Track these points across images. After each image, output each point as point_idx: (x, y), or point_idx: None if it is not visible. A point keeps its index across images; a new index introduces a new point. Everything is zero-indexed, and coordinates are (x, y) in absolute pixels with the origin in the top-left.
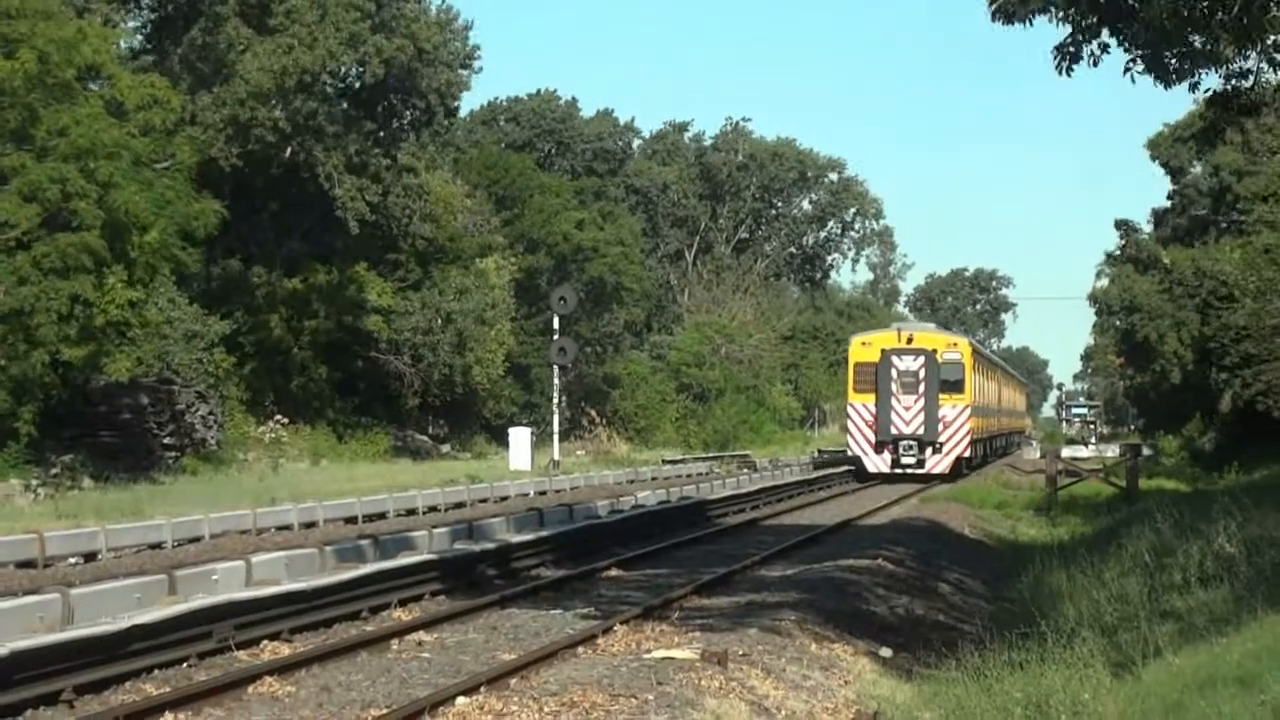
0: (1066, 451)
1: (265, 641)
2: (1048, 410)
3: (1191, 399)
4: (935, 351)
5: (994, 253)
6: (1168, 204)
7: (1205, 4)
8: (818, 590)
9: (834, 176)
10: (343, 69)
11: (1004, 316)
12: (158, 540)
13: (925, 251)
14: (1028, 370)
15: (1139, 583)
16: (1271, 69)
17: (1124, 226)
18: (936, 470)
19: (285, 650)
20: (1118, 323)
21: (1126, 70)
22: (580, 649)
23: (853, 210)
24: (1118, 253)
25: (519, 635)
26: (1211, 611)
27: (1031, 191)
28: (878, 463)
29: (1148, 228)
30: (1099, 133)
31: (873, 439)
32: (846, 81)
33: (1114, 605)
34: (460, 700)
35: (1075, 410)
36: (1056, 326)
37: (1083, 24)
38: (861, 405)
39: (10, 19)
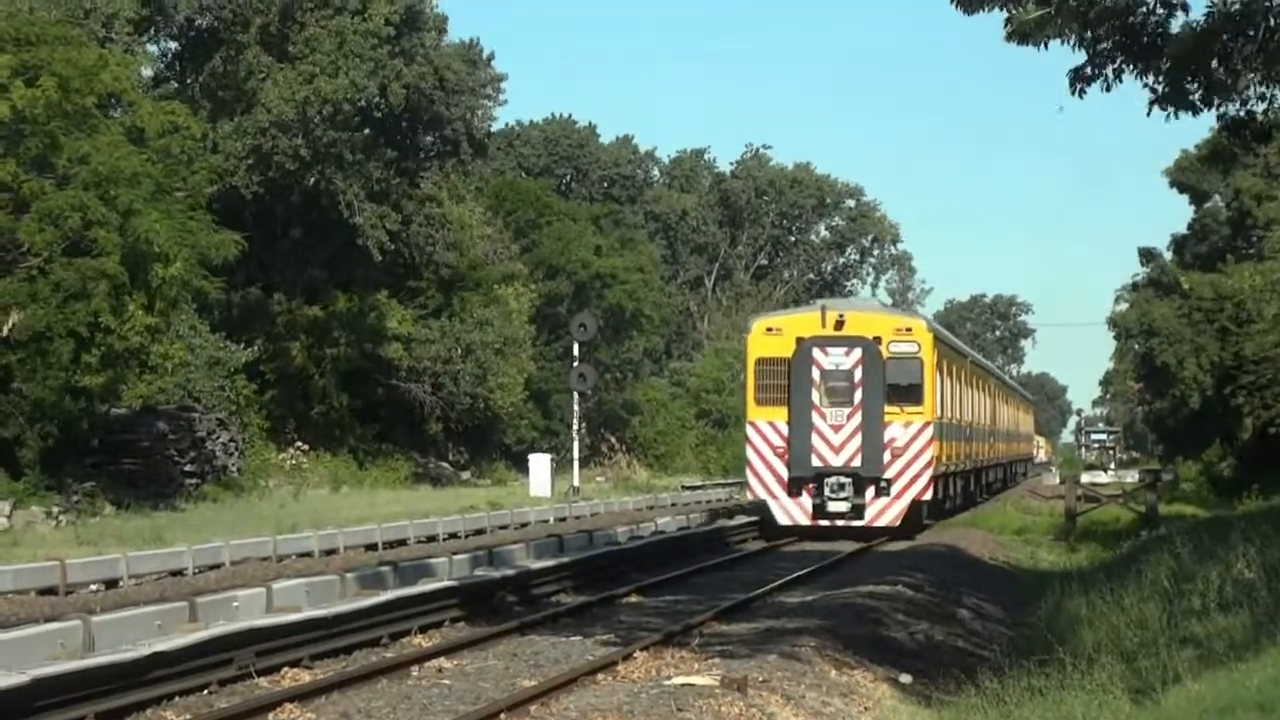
0: (1086, 477)
1: (286, 668)
2: (1067, 436)
3: (1210, 425)
4: (878, 340)
5: (1013, 279)
6: (1188, 231)
7: (1226, 38)
8: (837, 616)
9: (852, 203)
10: (364, 100)
11: (1023, 343)
12: (179, 567)
13: (944, 277)
14: (1047, 396)
15: (1158, 608)
16: None
17: (1147, 254)
18: (881, 522)
19: (306, 677)
20: (1136, 347)
21: (1150, 108)
22: (600, 675)
23: (871, 236)
24: (1141, 280)
25: (539, 662)
26: (1231, 637)
27: (1051, 217)
28: (791, 510)
29: (1168, 254)
30: (1120, 159)
31: (783, 475)
32: (864, 107)
33: (1133, 631)
34: None
35: (1094, 436)
36: (1076, 353)
37: (1097, 51)
38: (766, 425)
39: (31, 45)
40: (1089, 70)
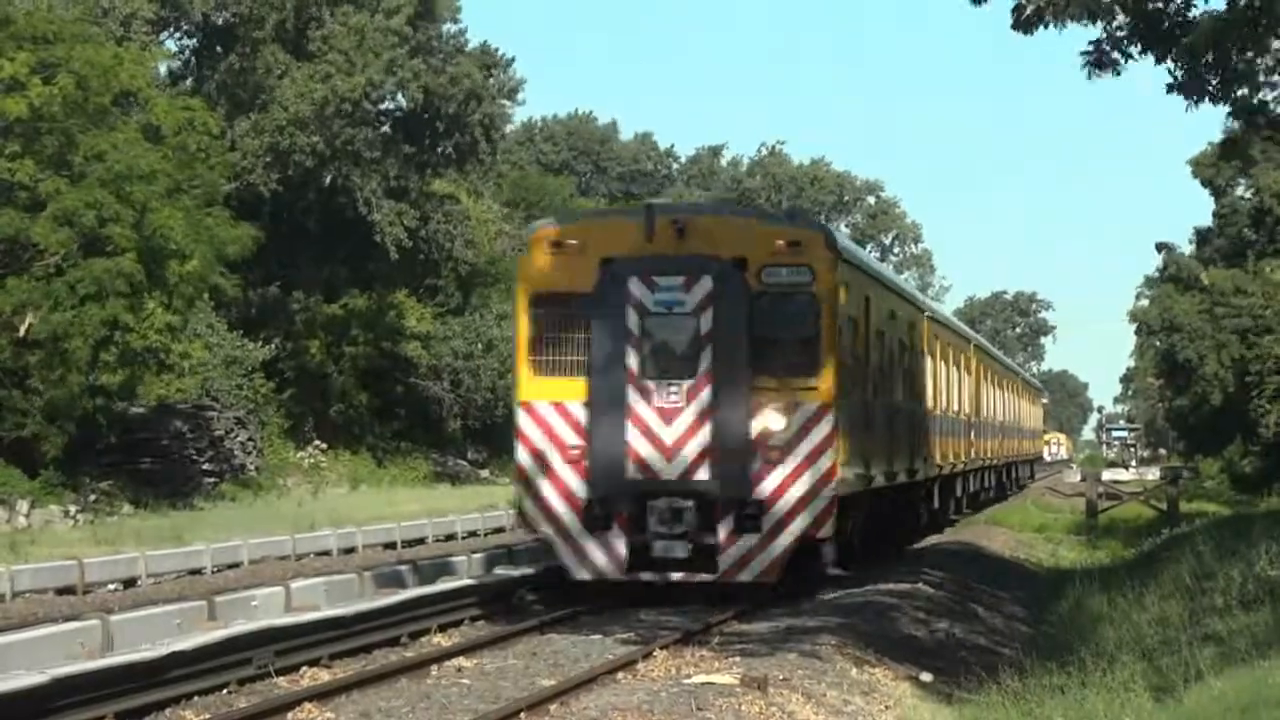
0: (1107, 474)
1: (305, 667)
2: (1088, 433)
3: (1232, 421)
4: (744, 264)
5: (1033, 275)
6: (1210, 225)
7: (1247, 29)
8: (857, 614)
9: (872, 200)
10: (383, 97)
11: (1044, 340)
12: (197, 566)
13: (964, 274)
14: (1068, 393)
15: (1180, 606)
16: None
17: (1165, 248)
18: (745, 575)
19: (325, 676)
20: (1158, 343)
21: (1170, 89)
22: (620, 675)
23: (892, 234)
24: (1158, 274)
25: (559, 661)
26: (1253, 635)
27: (1071, 213)
28: (592, 555)
29: (1189, 248)
30: (1141, 153)
31: (578, 495)
32: (880, 103)
33: (1155, 629)
34: None
35: (1115, 433)
36: (1097, 350)
37: (1112, 35)
38: (549, 410)
39: (49, 43)
40: (1102, 53)
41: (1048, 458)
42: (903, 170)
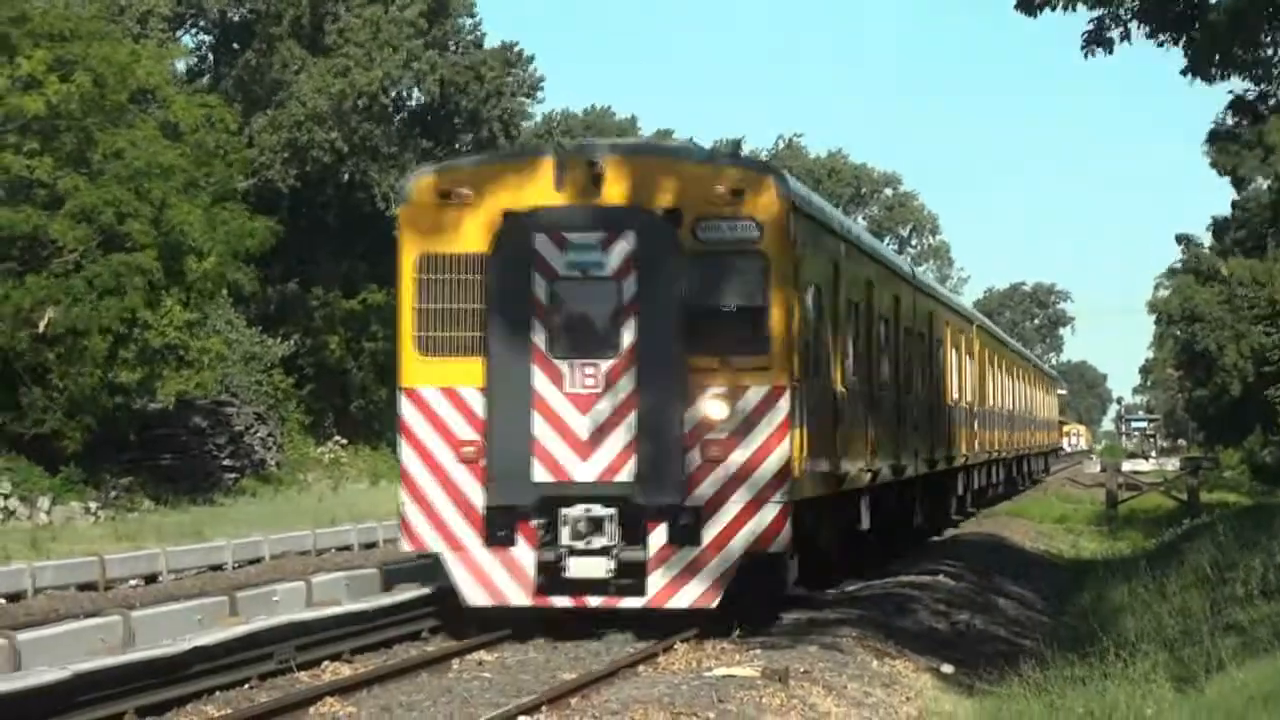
0: (1127, 465)
1: (326, 662)
2: (1107, 424)
3: (1252, 412)
4: (676, 216)
5: (1052, 267)
6: (1228, 215)
7: (1262, 12)
8: (877, 607)
9: (889, 192)
10: (400, 91)
11: (1062, 331)
12: (218, 562)
13: (982, 266)
14: (1086, 384)
15: (1200, 596)
16: None
17: (1185, 240)
18: (680, 600)
19: (346, 671)
20: (1178, 333)
21: (1184, 72)
22: (641, 667)
23: (910, 226)
24: (1178, 266)
25: (579, 654)
26: (1275, 624)
27: (1089, 204)
28: (492, 575)
29: (1208, 239)
30: (1157, 142)
31: (475, 502)
32: (898, 94)
33: (1175, 619)
34: None
35: (1135, 424)
36: (1115, 341)
37: (1118, 14)
38: (439, 397)
39: (66, 41)
40: (1101, 31)
41: (1067, 448)
42: (921, 163)
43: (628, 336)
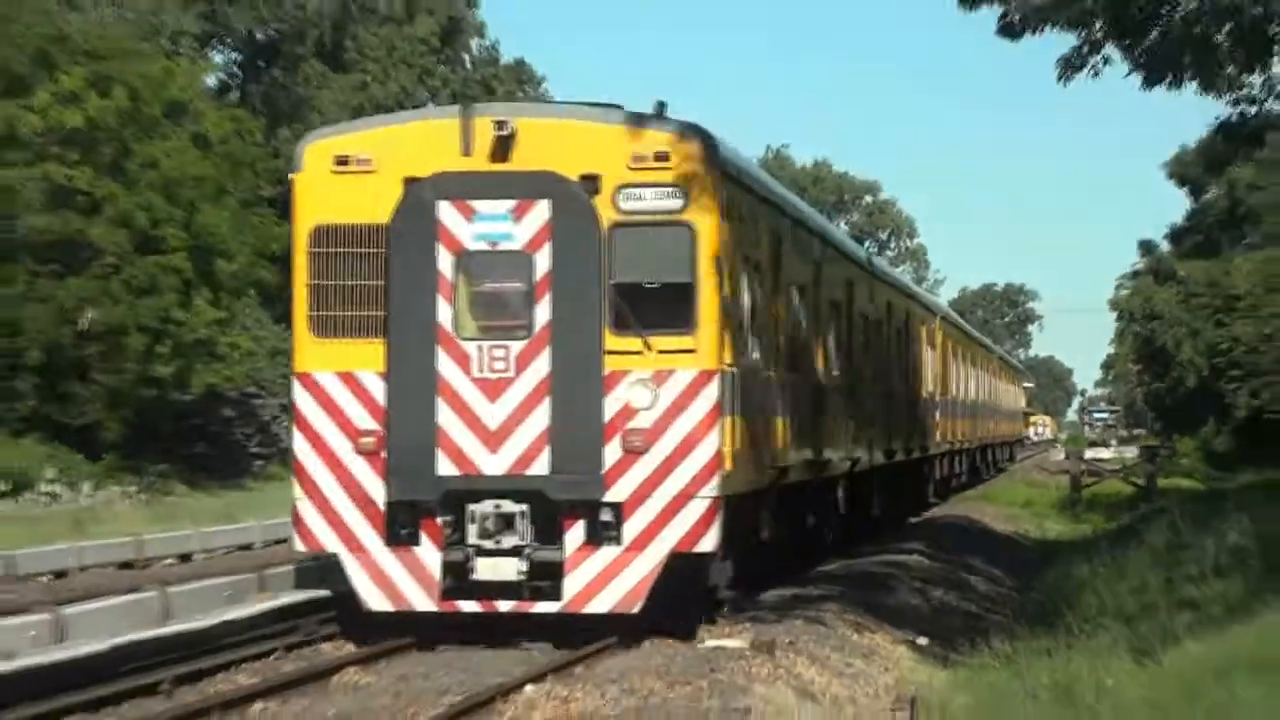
0: (1089, 453)
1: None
2: (1071, 415)
3: (1206, 403)
4: (594, 183)
5: (1022, 268)
6: (1185, 223)
7: (1219, 24)
8: (857, 584)
9: (870, 199)
10: (414, 104)
11: (1030, 328)
12: (247, 541)
13: (958, 268)
14: (1053, 378)
15: (1157, 574)
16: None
17: (1146, 245)
18: (598, 604)
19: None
20: (1138, 330)
21: (1145, 84)
22: (645, 641)
23: (889, 230)
24: (1140, 268)
25: (582, 625)
26: (1227, 601)
27: (1058, 210)
28: (393, 577)
29: (1165, 245)
30: (1122, 151)
31: (376, 496)
32: (879, 102)
33: (1134, 596)
34: (529, 688)
35: (1097, 415)
36: (1080, 337)
37: (1089, 38)
38: (335, 383)
39: (103, 59)
40: (1078, 57)
41: (1034, 437)
42: (901, 171)
43: (542, 316)
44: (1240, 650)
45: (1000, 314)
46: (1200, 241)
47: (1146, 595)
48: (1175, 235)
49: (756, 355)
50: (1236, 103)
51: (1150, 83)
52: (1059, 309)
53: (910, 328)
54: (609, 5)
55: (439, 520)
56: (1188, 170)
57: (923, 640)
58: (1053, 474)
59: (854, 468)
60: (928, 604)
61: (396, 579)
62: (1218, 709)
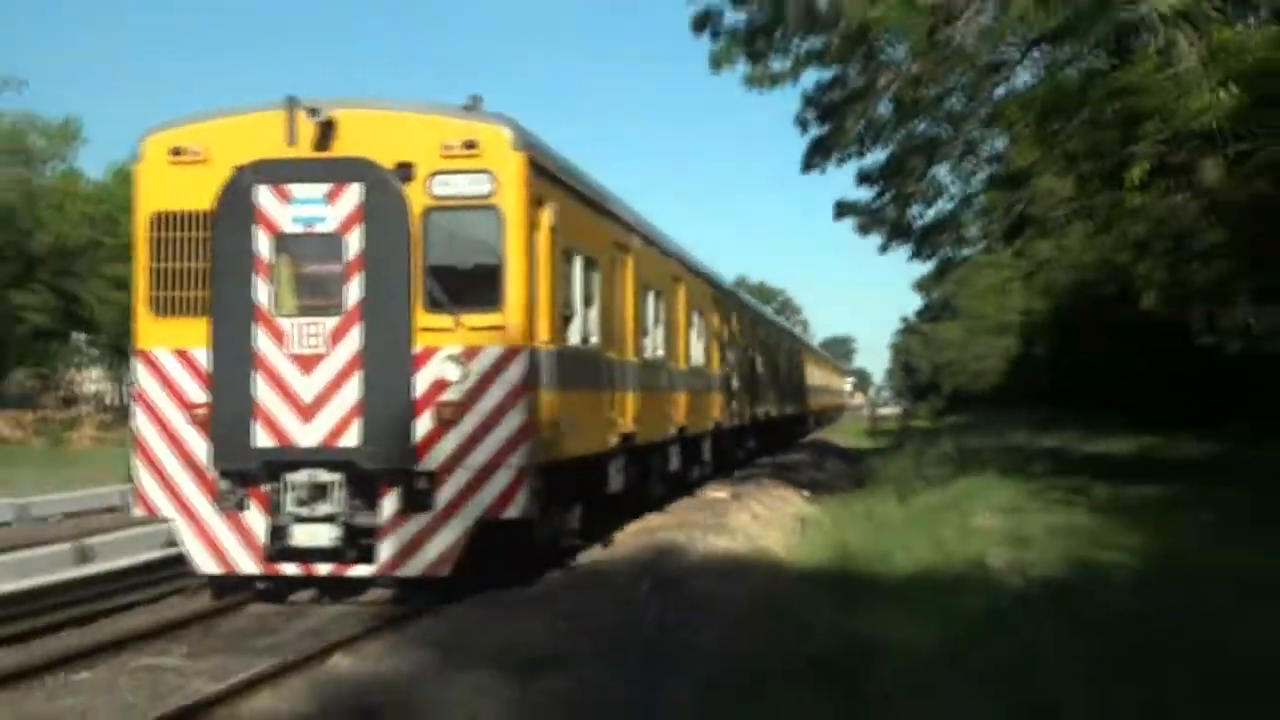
0: (880, 411)
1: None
2: (873, 393)
3: (931, 388)
4: (408, 170)
5: (852, 321)
6: (924, 307)
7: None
8: (777, 469)
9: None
10: None
11: (854, 354)
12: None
13: (817, 318)
14: (862, 376)
15: (910, 463)
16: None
17: (904, 320)
18: (410, 568)
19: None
20: (902, 357)
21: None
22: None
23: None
24: (903, 328)
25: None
26: (941, 477)
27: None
28: (223, 541)
29: (913, 317)
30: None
31: (206, 465)
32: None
33: (899, 473)
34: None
35: (884, 393)
36: (879, 357)
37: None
38: (170, 358)
39: None
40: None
41: (854, 404)
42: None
43: (354, 294)
44: (946, 497)
45: (843, 350)
46: (932, 316)
47: (905, 473)
48: (919, 313)
49: (567, 332)
50: (945, 260)
51: (915, 256)
52: (869, 344)
53: (793, 354)
54: None
55: (265, 488)
56: (924, 283)
57: (806, 493)
58: (864, 420)
59: (764, 419)
60: (809, 477)
61: (225, 543)
62: (931, 520)
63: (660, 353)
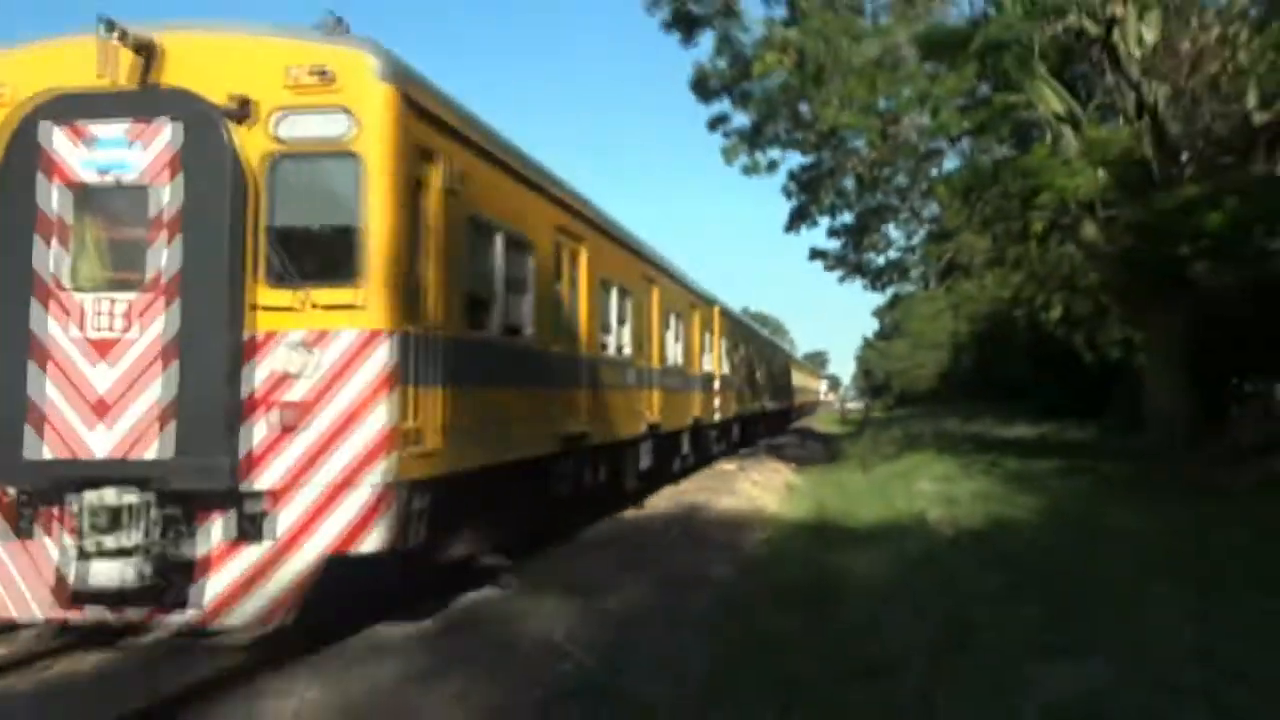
0: (849, 405)
1: None
2: (843, 391)
3: (885, 387)
4: (246, 108)
5: (826, 337)
6: (880, 329)
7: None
8: (772, 448)
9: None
10: None
11: (828, 363)
12: None
13: (799, 336)
14: (834, 380)
15: (871, 443)
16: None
17: (865, 339)
18: (237, 616)
19: None
20: (865, 366)
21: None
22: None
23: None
24: (864, 344)
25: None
26: (895, 453)
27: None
28: (7, 574)
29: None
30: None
31: None
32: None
33: (862, 450)
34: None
35: (851, 393)
36: (848, 365)
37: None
38: None
39: None
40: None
41: (829, 399)
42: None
43: (167, 263)
44: (898, 468)
45: (819, 361)
46: (886, 335)
47: (866, 450)
48: (876, 333)
49: (452, 316)
50: (894, 294)
51: (871, 289)
52: (840, 355)
53: (783, 363)
54: None
55: (54, 510)
56: (879, 311)
57: (793, 466)
58: (836, 412)
59: (766, 411)
60: (796, 455)
61: (11, 580)
62: (886, 486)
63: (678, 359)
